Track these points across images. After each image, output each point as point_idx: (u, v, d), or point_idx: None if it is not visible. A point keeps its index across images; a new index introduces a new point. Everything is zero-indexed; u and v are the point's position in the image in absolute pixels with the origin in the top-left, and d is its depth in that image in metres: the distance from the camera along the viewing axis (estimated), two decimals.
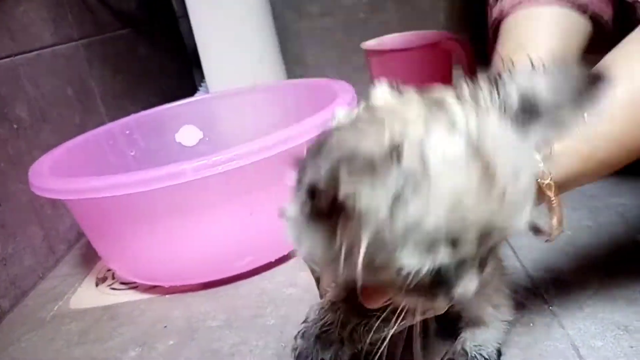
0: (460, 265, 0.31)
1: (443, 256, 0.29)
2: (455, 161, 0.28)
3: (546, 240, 0.42)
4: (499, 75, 0.32)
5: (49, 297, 0.81)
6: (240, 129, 1.04)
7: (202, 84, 1.38)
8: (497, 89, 0.32)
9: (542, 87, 0.31)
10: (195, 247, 0.72)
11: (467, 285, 0.32)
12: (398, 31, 1.30)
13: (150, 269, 0.76)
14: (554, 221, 0.42)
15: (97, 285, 0.81)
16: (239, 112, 1.08)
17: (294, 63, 1.57)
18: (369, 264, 0.30)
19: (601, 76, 0.32)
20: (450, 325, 0.52)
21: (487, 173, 0.28)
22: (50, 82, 0.97)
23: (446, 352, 0.52)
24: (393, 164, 0.27)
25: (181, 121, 1.04)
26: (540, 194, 0.41)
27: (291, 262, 0.75)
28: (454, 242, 0.29)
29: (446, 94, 0.31)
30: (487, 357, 0.50)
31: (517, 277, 0.62)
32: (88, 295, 0.79)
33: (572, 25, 0.56)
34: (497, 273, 0.49)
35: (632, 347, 0.50)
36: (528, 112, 0.31)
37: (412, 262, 0.29)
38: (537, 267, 0.64)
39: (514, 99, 0.31)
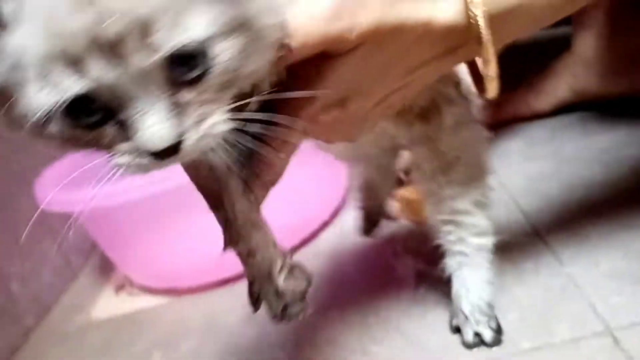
0: (124, 98, 0.26)
1: (66, 81, 0.25)
2: None
3: (483, 98, 0.40)
4: None
5: (71, 310, 0.82)
6: None
7: None
8: None
9: None
10: (205, 244, 0.72)
11: (153, 128, 0.26)
12: None
13: (165, 271, 0.76)
14: (490, 70, 0.37)
15: (116, 293, 0.82)
16: None
17: None
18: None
19: None
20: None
21: None
22: None
23: (451, 316, 0.53)
24: None
25: None
26: (469, 31, 0.35)
27: (303, 250, 0.75)
28: (73, 62, 0.24)
29: None
30: (489, 314, 0.51)
31: (529, 240, 0.62)
32: (108, 305, 0.80)
33: None
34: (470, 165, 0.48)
35: None
36: None
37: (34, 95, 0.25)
38: (549, 227, 0.63)
39: None
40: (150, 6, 0.24)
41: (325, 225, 0.79)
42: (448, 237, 0.51)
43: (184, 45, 0.25)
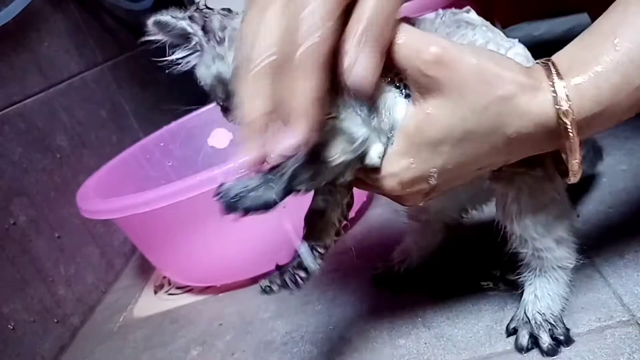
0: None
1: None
2: None
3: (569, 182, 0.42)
4: None
5: (114, 309, 0.86)
6: None
7: None
8: None
9: None
10: (239, 244, 0.75)
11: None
12: None
13: (201, 271, 0.80)
14: (573, 161, 0.40)
15: (155, 293, 0.86)
16: None
17: None
18: None
19: None
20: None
21: None
22: (84, 108, 1.02)
23: (511, 319, 0.52)
24: None
25: (211, 125, 1.07)
26: (558, 132, 0.38)
27: (331, 248, 0.77)
28: None
29: None
30: (553, 322, 0.49)
31: None
32: (148, 304, 0.84)
33: None
34: (558, 204, 0.46)
35: None
36: None
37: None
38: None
39: None
40: None
41: (351, 222, 0.81)
42: (526, 253, 0.50)
43: None
